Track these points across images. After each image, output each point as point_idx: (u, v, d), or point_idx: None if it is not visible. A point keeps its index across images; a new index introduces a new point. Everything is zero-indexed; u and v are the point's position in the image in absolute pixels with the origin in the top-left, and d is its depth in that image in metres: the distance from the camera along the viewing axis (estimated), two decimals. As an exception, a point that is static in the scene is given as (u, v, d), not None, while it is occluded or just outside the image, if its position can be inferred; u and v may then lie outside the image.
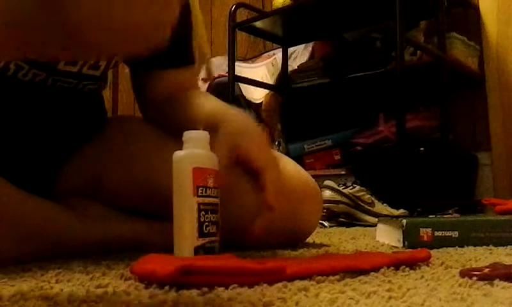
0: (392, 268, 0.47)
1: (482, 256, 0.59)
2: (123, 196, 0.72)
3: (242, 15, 2.33)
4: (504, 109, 2.02)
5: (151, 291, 0.35)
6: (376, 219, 0.94)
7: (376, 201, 1.49)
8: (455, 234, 0.72)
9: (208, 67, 2.37)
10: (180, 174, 0.53)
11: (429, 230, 0.72)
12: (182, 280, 0.35)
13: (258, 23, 2.17)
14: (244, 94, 2.39)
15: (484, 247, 0.70)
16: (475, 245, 0.71)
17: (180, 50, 0.76)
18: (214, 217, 0.54)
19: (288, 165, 0.75)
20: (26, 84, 0.67)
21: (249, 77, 2.30)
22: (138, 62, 0.76)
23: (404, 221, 0.72)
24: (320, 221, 1.34)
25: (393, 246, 0.75)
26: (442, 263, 0.52)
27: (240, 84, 2.31)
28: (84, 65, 0.70)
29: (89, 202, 0.72)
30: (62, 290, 0.35)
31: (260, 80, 2.38)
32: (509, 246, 0.70)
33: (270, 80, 2.43)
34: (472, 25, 2.08)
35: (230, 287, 0.36)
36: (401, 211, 1.49)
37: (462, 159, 1.95)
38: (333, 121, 2.14)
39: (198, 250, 0.51)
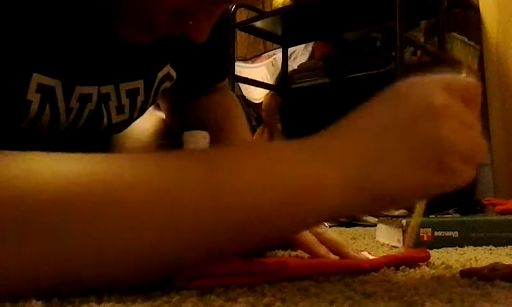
0: (392, 268, 0.47)
1: (482, 256, 0.59)
2: None
3: (242, 15, 2.33)
4: (503, 109, 2.02)
5: (150, 292, 0.35)
6: (376, 219, 0.94)
7: (376, 201, 1.48)
8: (455, 234, 0.72)
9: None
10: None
11: (429, 230, 0.72)
12: (183, 285, 0.36)
13: (258, 24, 2.17)
14: (244, 94, 2.40)
15: (484, 247, 0.70)
16: (475, 245, 0.71)
17: (224, 61, 0.77)
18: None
19: None
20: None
21: (249, 77, 2.30)
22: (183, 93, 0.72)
23: (404, 221, 0.72)
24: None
25: (393, 246, 0.75)
26: (442, 263, 0.52)
27: (240, 84, 2.32)
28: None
29: None
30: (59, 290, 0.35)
31: (260, 80, 2.38)
32: (509, 246, 0.70)
33: (270, 80, 2.43)
34: (472, 25, 2.08)
35: (230, 287, 0.36)
36: (401, 211, 1.48)
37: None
38: (333, 121, 2.14)
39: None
